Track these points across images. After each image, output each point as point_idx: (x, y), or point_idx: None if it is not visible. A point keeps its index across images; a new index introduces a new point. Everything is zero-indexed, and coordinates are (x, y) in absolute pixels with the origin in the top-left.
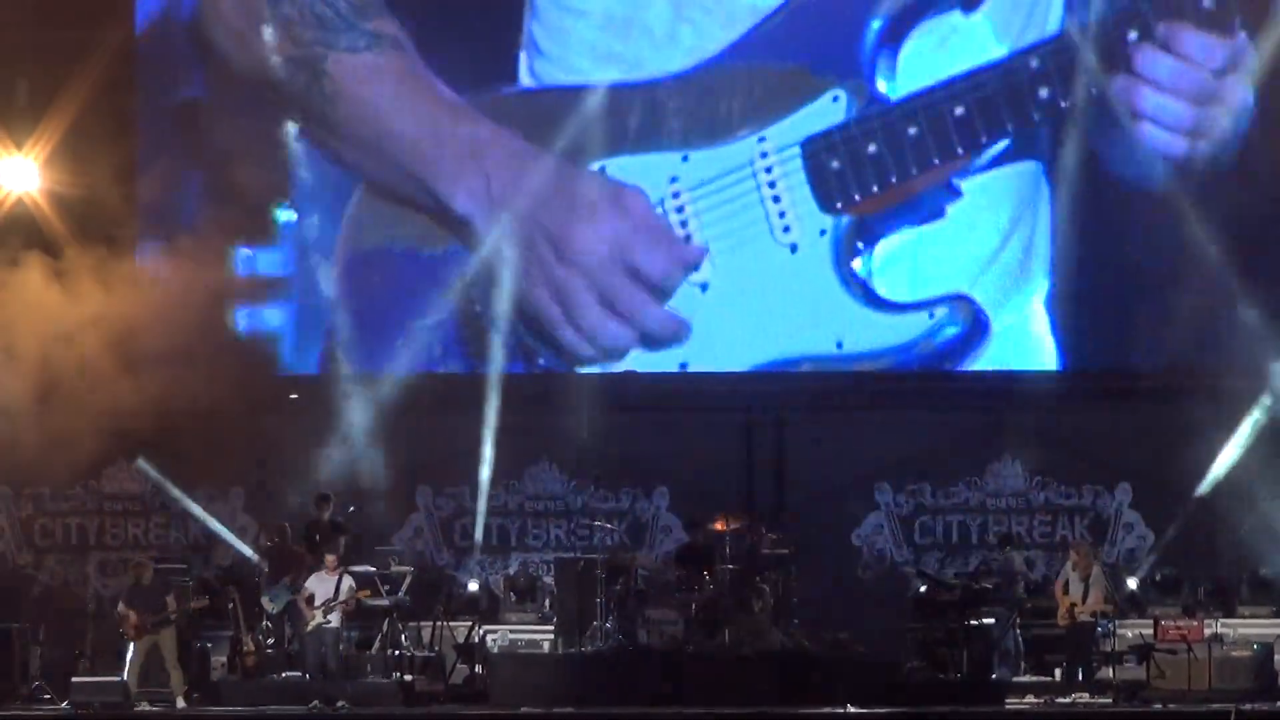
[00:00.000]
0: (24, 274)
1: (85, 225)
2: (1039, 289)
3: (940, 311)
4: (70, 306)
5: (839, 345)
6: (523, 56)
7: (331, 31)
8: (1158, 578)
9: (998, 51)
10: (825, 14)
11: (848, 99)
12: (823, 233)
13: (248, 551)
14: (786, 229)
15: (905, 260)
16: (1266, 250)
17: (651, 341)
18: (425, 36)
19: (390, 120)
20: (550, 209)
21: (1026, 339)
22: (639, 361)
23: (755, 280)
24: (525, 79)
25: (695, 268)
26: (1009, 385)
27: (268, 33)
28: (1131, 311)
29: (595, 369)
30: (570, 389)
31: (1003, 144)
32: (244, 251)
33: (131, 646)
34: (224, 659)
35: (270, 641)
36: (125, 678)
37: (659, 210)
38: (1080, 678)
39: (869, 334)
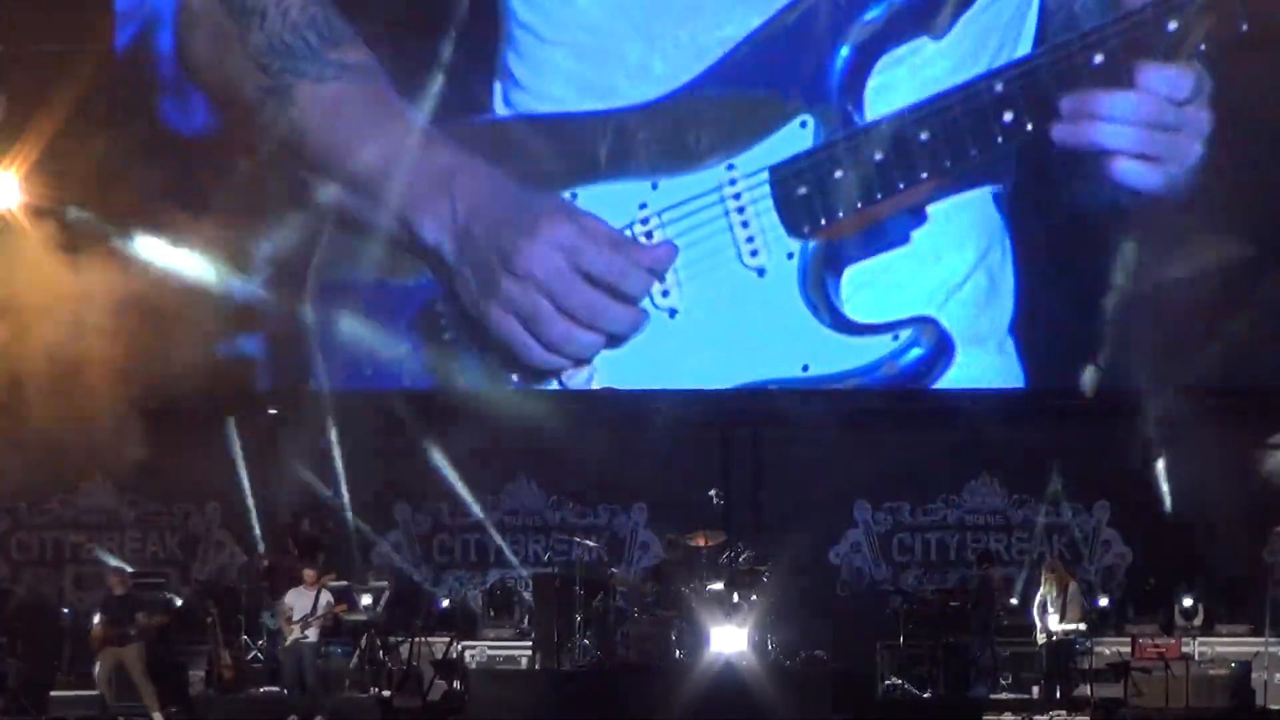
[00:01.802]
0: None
1: (63, 239)
2: (1006, 313)
3: (905, 333)
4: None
5: (805, 369)
6: (498, 86)
7: (300, 60)
8: (1135, 596)
9: (964, 70)
10: (794, 41)
11: (815, 125)
12: (790, 256)
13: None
14: (754, 253)
15: (873, 283)
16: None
17: (616, 341)
18: (400, 66)
19: (358, 150)
20: (503, 229)
21: (994, 363)
22: (609, 362)
23: (723, 305)
24: (500, 108)
25: (660, 273)
26: (987, 403)
27: (241, 61)
28: (1098, 334)
29: (564, 385)
30: (549, 406)
31: (967, 168)
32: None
33: (98, 659)
34: (202, 673)
35: (253, 656)
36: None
37: (627, 233)
38: (1058, 695)
39: (835, 357)
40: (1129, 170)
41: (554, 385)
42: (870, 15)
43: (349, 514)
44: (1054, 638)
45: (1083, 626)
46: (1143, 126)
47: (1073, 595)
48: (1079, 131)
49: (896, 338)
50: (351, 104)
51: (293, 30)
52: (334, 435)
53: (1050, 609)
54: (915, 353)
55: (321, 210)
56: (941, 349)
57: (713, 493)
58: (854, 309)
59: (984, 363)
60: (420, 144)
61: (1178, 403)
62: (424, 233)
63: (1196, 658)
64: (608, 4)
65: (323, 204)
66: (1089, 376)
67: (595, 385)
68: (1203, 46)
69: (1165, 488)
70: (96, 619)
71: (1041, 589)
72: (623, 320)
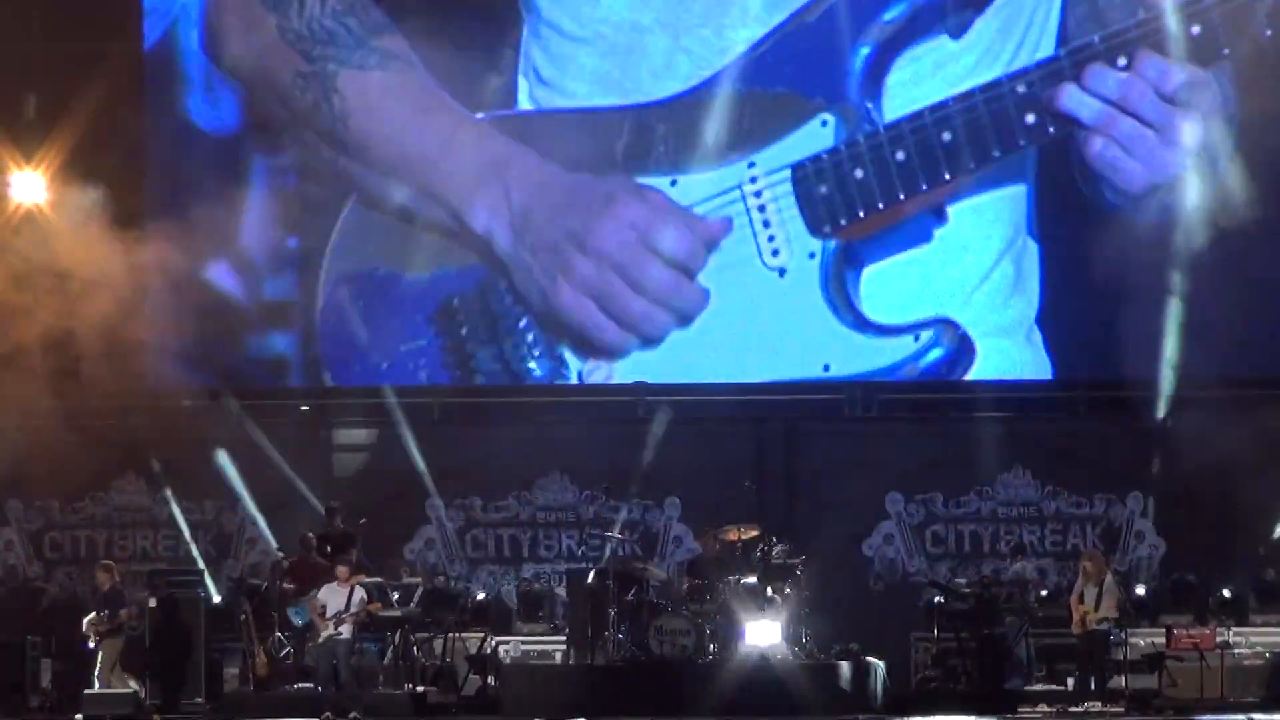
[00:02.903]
0: (32, 281)
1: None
2: (1033, 304)
3: (925, 334)
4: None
5: (826, 369)
6: (522, 82)
7: (342, 48)
8: (1170, 586)
9: (988, 76)
10: (814, 39)
11: (836, 123)
12: (811, 256)
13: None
14: (775, 253)
15: (895, 283)
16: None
17: (685, 321)
18: (426, 59)
19: (404, 138)
20: (570, 211)
21: (1022, 354)
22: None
23: (744, 304)
24: (525, 104)
25: (715, 246)
26: (1020, 394)
27: (277, 49)
28: (1122, 327)
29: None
30: (582, 400)
31: (991, 168)
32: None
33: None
34: (236, 670)
35: (286, 653)
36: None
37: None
38: (1093, 687)
39: (855, 357)
40: (1101, 154)
41: (573, 381)
42: (890, 14)
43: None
44: (1088, 628)
45: (1117, 616)
46: (1120, 107)
47: (1109, 587)
48: (1072, 100)
49: (917, 339)
50: (396, 92)
51: (333, 16)
52: (363, 430)
53: (1087, 600)
54: (936, 354)
55: (366, 201)
56: (962, 349)
57: (746, 484)
58: (875, 308)
59: (1012, 354)
60: (470, 133)
61: (1212, 393)
62: (474, 222)
63: (1232, 647)
64: (633, 1)
65: (365, 194)
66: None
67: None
68: (1226, 51)
69: (1199, 478)
70: (91, 615)
71: (1079, 580)
72: (693, 298)
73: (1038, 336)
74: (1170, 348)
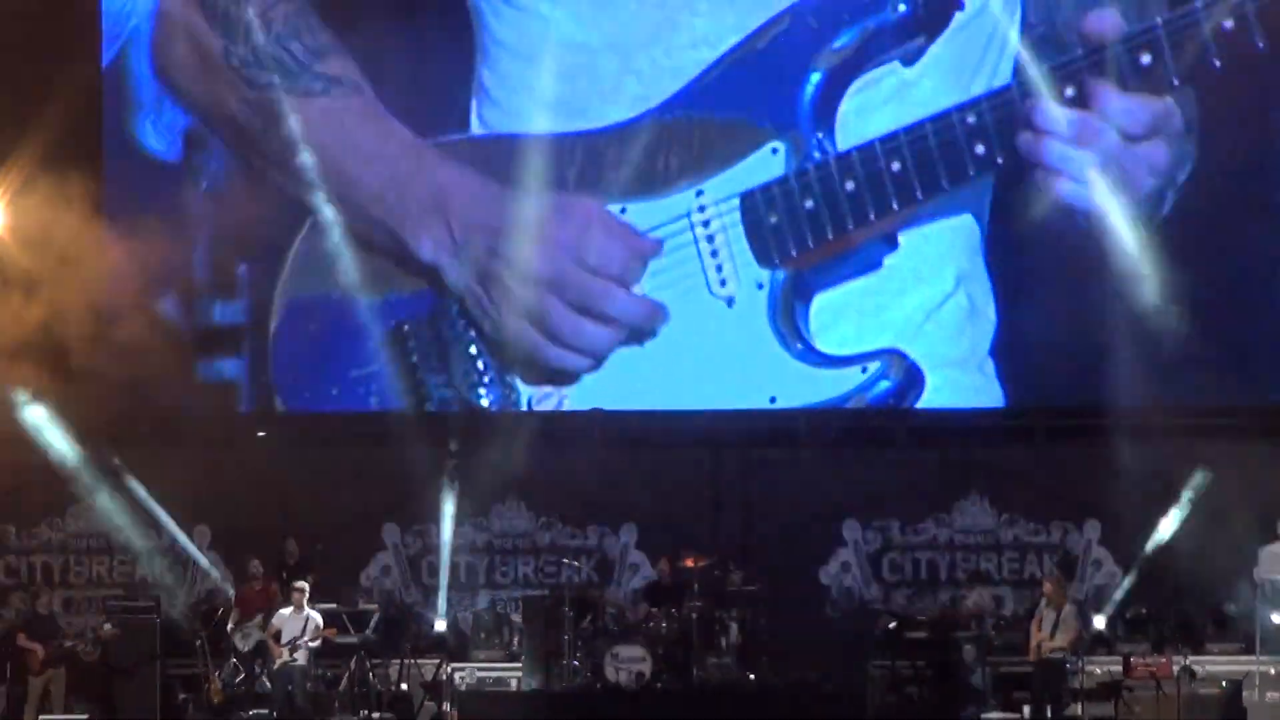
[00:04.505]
0: None
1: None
2: (987, 335)
3: (873, 366)
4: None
5: (772, 400)
6: (473, 103)
7: (287, 74)
8: (1127, 615)
9: (942, 105)
10: (765, 66)
11: (786, 151)
12: (760, 286)
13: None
14: (723, 282)
15: (845, 313)
16: (1231, 286)
17: (634, 335)
18: (376, 81)
19: (350, 166)
20: (505, 237)
21: (974, 382)
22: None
23: (691, 334)
24: (475, 125)
25: (645, 264)
26: (976, 422)
27: (223, 74)
28: (1080, 355)
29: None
30: (537, 426)
31: (940, 198)
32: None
33: (31, 682)
34: (190, 696)
35: (240, 679)
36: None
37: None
38: (1048, 715)
39: (802, 388)
40: (1068, 190)
41: (523, 408)
42: (840, 42)
43: (336, 536)
44: (1042, 656)
45: (1067, 647)
46: (1087, 150)
47: (1066, 617)
48: (1030, 143)
49: (865, 370)
50: (341, 119)
51: (277, 42)
52: (319, 456)
53: (1045, 626)
54: (883, 385)
55: (314, 225)
56: (910, 381)
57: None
58: (825, 339)
59: (963, 383)
60: (414, 162)
61: (1169, 420)
62: (421, 252)
63: (1189, 676)
64: (584, 21)
65: (316, 220)
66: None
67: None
68: (1177, 81)
69: (1155, 506)
70: (23, 639)
71: (1041, 604)
72: (632, 309)
73: (990, 367)
74: (1128, 376)
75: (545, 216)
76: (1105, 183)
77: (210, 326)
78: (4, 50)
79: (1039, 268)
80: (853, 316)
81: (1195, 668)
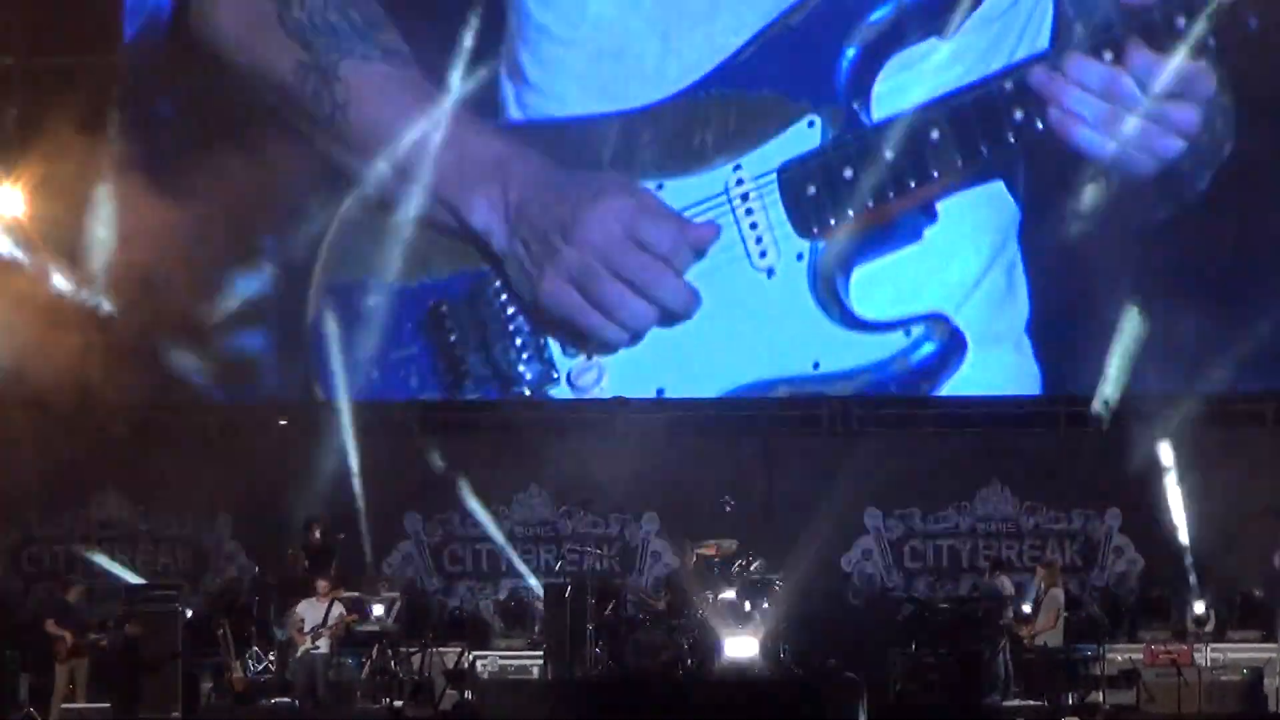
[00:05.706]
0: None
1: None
2: (1023, 313)
3: (916, 330)
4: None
5: (815, 366)
6: (510, 88)
7: (344, 39)
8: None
9: (976, 75)
10: (800, 41)
11: (823, 124)
12: (800, 257)
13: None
14: (763, 254)
15: (885, 283)
16: (1256, 274)
17: (669, 317)
18: (419, 62)
19: (406, 130)
20: (560, 204)
21: (1012, 366)
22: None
23: (732, 306)
24: (513, 110)
25: (702, 253)
26: (998, 409)
27: (275, 37)
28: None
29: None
30: (559, 415)
31: (979, 166)
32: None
33: (58, 669)
34: (212, 685)
35: (261, 668)
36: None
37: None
38: (1069, 702)
39: (845, 354)
40: (1086, 138)
41: (563, 387)
42: (876, 15)
43: (358, 524)
44: (1025, 643)
45: (1051, 629)
46: (1109, 101)
47: (1047, 600)
48: (1053, 88)
49: (909, 334)
50: (398, 84)
51: (336, 9)
52: (346, 445)
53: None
54: (927, 348)
55: (358, 195)
56: (954, 345)
57: (724, 499)
58: (866, 308)
59: (1001, 362)
60: (471, 129)
61: (1190, 408)
62: (474, 218)
63: (1209, 664)
64: (623, 4)
65: (361, 186)
66: (1100, 407)
67: (604, 385)
68: (1211, 41)
69: (1177, 493)
70: (51, 626)
71: (1037, 591)
72: (675, 292)
73: (1027, 345)
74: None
75: (605, 189)
76: (1131, 138)
77: (233, 298)
78: (25, 41)
79: (1073, 246)
80: (891, 288)
81: (1215, 655)
